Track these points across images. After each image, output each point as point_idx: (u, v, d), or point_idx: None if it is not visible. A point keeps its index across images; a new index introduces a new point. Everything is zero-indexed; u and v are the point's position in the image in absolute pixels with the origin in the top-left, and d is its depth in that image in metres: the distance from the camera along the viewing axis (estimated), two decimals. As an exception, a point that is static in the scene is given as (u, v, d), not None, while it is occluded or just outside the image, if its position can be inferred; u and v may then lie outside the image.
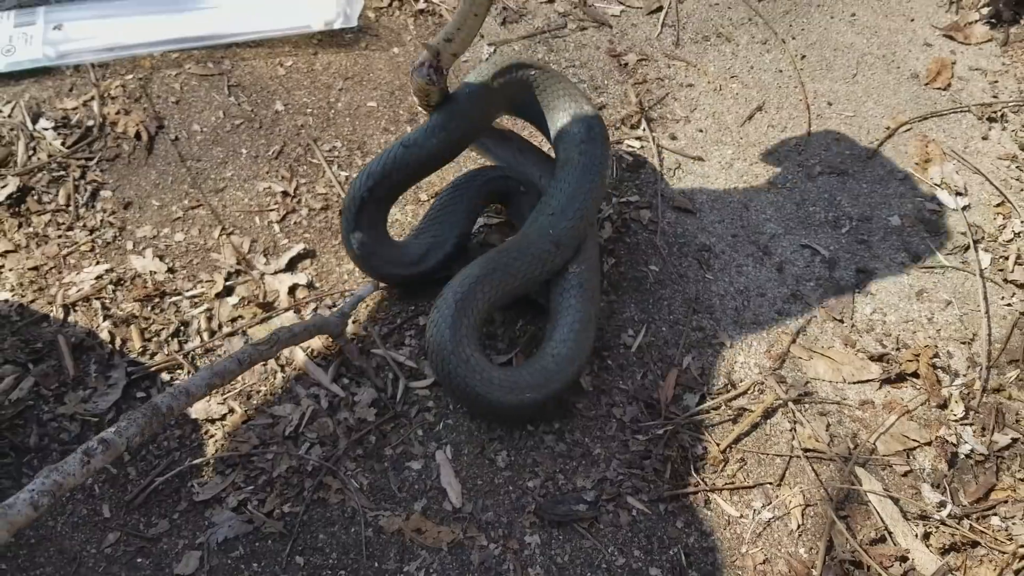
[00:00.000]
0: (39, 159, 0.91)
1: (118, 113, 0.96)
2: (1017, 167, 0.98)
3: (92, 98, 0.97)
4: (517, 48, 1.05)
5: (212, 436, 0.74)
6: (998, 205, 0.94)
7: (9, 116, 0.94)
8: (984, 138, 1.00)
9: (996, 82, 1.06)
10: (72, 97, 0.97)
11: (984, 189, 0.96)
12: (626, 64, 1.04)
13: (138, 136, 0.94)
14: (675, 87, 1.03)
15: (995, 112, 1.02)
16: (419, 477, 0.73)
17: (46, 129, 0.93)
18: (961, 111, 1.02)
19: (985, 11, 1.11)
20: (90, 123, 0.95)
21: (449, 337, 0.72)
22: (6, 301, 0.81)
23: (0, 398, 0.75)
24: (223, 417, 0.76)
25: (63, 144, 0.93)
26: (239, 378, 0.77)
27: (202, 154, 0.94)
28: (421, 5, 1.08)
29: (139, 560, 0.68)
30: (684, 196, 0.93)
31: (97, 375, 0.78)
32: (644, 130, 0.98)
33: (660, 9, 1.10)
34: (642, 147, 0.97)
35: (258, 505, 0.71)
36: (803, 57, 1.07)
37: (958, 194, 0.95)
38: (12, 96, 0.97)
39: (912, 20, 1.12)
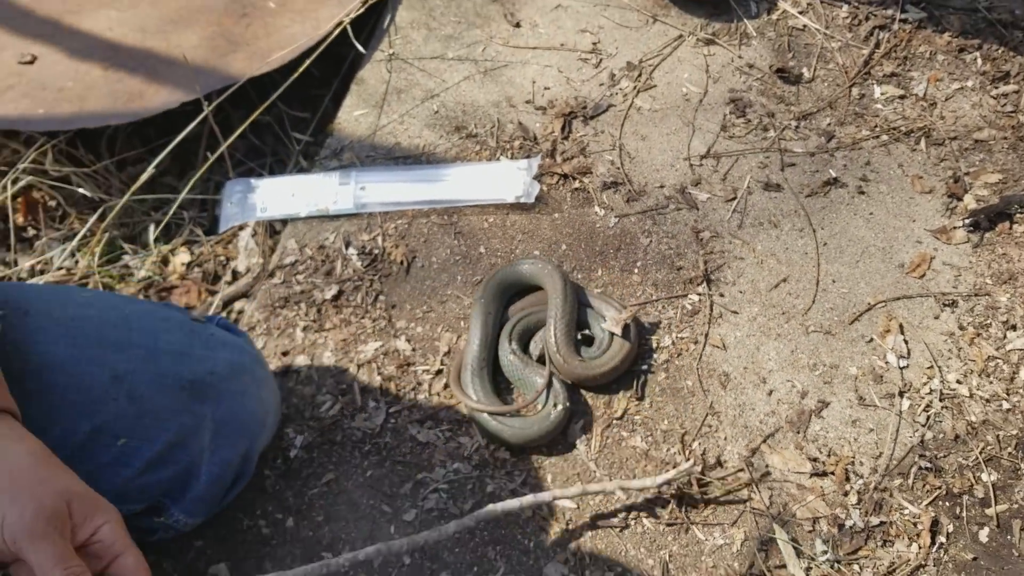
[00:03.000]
0: (347, 273, 1.60)
1: (391, 246, 1.63)
2: (953, 342, 1.47)
3: (377, 235, 1.65)
4: (633, 220, 1.64)
5: (428, 449, 1.41)
6: (928, 368, 1.44)
7: (333, 243, 1.65)
8: (936, 317, 1.49)
9: (959, 276, 1.53)
10: (367, 233, 1.66)
11: (923, 356, 1.46)
12: (702, 239, 1.60)
13: (401, 262, 1.61)
14: (731, 258, 1.58)
15: (949, 299, 1.50)
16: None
17: (352, 254, 1.63)
18: (926, 296, 1.51)
19: (968, 220, 1.58)
20: (376, 252, 1.63)
21: None
22: (329, 357, 1.51)
23: (324, 415, 1.45)
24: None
25: (361, 264, 1.62)
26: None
27: (435, 277, 1.60)
28: (576, 185, 1.69)
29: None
30: (720, 337, 1.50)
31: (373, 406, 1.46)
32: (703, 288, 1.54)
33: (734, 199, 1.65)
34: (699, 299, 1.53)
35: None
36: (825, 244, 1.59)
37: (901, 357, 1.45)
38: (334, 229, 1.67)
39: (914, 221, 1.61)
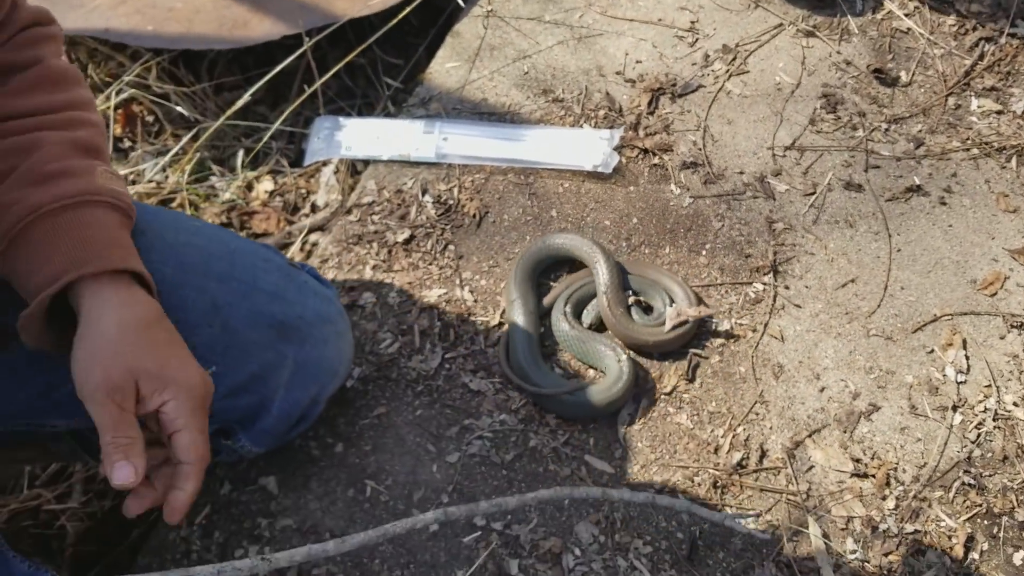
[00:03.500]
0: (421, 219, 1.65)
1: (466, 199, 1.67)
2: (1016, 365, 1.45)
3: (454, 186, 1.68)
4: (708, 201, 1.64)
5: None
6: (986, 386, 1.43)
7: (410, 188, 1.69)
8: (1001, 338, 1.47)
9: (1033, 300, 1.51)
10: (444, 183, 1.69)
11: (983, 373, 1.44)
12: (775, 229, 1.60)
13: (474, 216, 1.65)
14: (801, 252, 1.58)
15: (1018, 321, 1.48)
16: (574, 450, 1.40)
17: (427, 201, 1.67)
18: (994, 315, 1.49)
19: (1049, 245, 1.55)
20: (451, 202, 1.66)
21: None
22: (395, 297, 1.56)
23: (383, 352, 1.50)
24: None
25: (435, 212, 1.65)
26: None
27: (505, 234, 1.63)
28: (655, 161, 1.70)
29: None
30: (779, 328, 1.50)
31: (429, 349, 1.50)
32: (769, 278, 1.55)
33: (813, 193, 1.64)
34: (763, 289, 1.54)
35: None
36: (899, 250, 1.57)
37: (960, 372, 1.44)
38: (413, 176, 1.71)
39: (993, 238, 1.58)
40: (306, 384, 1.26)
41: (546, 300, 1.54)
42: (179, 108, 1.92)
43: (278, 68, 1.77)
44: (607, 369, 1.45)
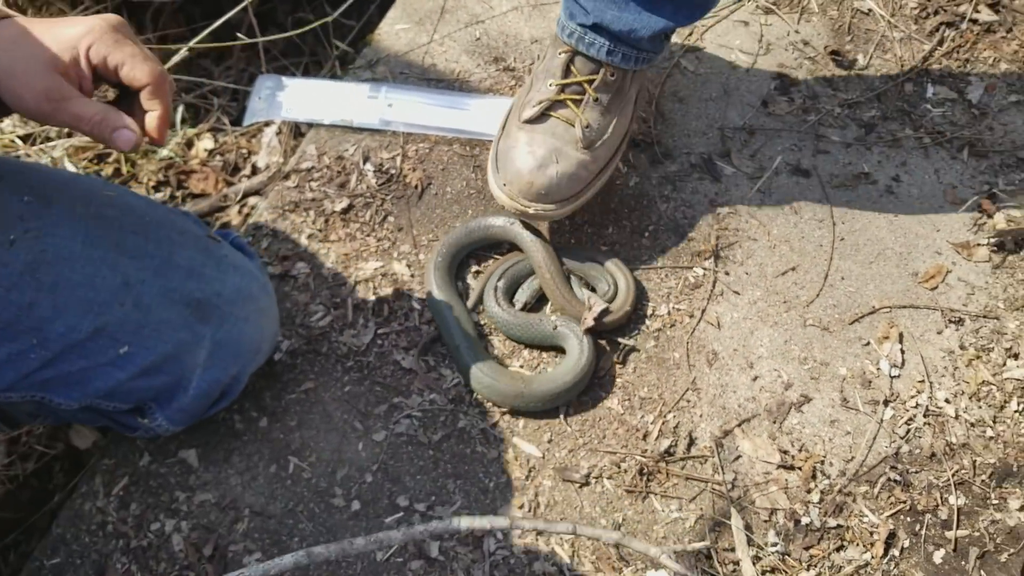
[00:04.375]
0: (361, 188, 1.60)
1: (409, 168, 1.62)
2: (951, 361, 1.44)
3: (397, 155, 1.64)
4: (653, 181, 1.61)
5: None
6: (919, 381, 1.42)
7: (352, 155, 1.64)
8: (938, 333, 1.46)
9: (972, 294, 1.50)
10: (387, 151, 1.65)
11: (917, 368, 1.44)
12: (719, 213, 1.58)
13: (416, 187, 1.60)
14: (744, 238, 1.55)
15: (956, 316, 1.48)
16: (502, 432, 1.38)
17: (368, 170, 1.62)
18: (933, 309, 1.49)
19: (993, 240, 1.53)
20: (392, 171, 1.62)
21: None
22: (329, 269, 1.52)
23: (314, 325, 1.47)
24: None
25: (376, 182, 1.61)
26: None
27: (447, 207, 1.59)
28: (604, 137, 1.66)
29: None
30: (716, 315, 1.48)
31: (362, 324, 1.47)
32: (710, 263, 1.52)
33: (759, 177, 1.61)
34: (703, 274, 1.52)
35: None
36: (842, 239, 1.55)
37: (894, 366, 1.43)
38: (356, 142, 1.66)
39: (938, 231, 1.56)
40: (225, 364, 1.23)
41: (474, 288, 1.51)
42: (117, 60, 1.84)
43: (219, 22, 1.71)
44: (566, 346, 1.42)
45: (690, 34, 1.79)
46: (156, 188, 1.80)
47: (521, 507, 1.32)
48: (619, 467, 1.35)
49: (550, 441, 1.38)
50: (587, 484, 1.34)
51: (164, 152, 1.80)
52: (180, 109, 1.85)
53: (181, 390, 1.20)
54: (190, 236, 1.22)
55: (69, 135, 1.78)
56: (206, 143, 1.85)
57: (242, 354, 1.25)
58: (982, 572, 1.28)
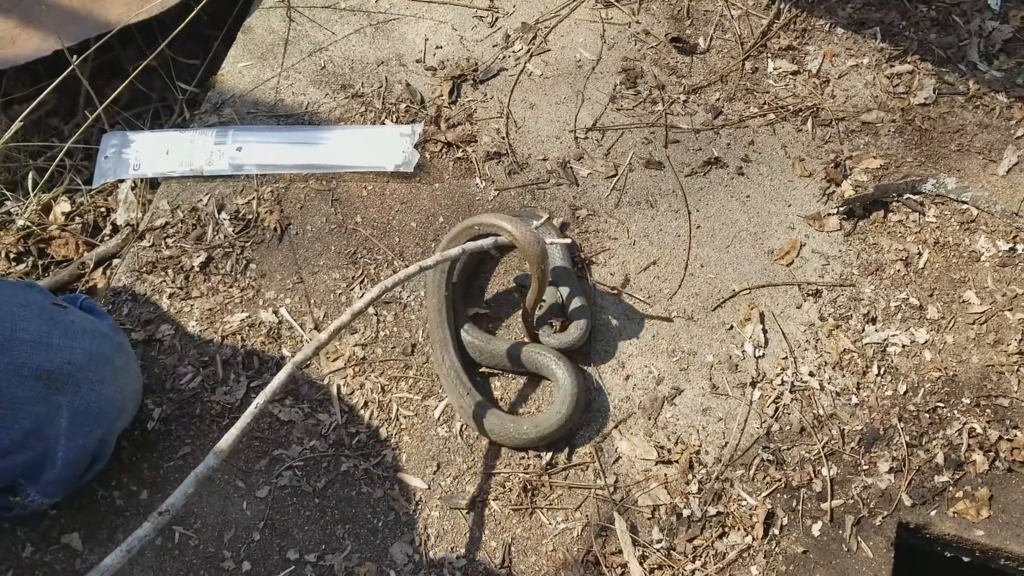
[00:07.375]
0: (219, 238, 1.58)
1: (265, 211, 1.61)
2: (812, 333, 1.49)
3: (252, 199, 1.62)
4: (513, 193, 1.62)
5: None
6: (783, 358, 1.47)
7: (206, 205, 1.62)
8: (798, 307, 1.51)
9: (827, 264, 1.54)
10: (241, 196, 1.62)
11: (780, 346, 1.48)
12: (579, 216, 1.59)
13: (275, 229, 1.59)
14: (605, 239, 1.58)
15: (814, 288, 1.52)
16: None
17: (224, 219, 1.60)
18: (791, 284, 1.53)
19: (842, 208, 1.58)
20: (249, 216, 1.60)
21: None
22: (194, 327, 1.50)
23: (184, 387, 1.45)
24: (294, 415, 1.43)
25: (233, 230, 1.59)
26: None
27: (309, 246, 1.58)
28: (459, 154, 1.66)
29: (242, 484, 1.38)
30: (585, 319, 1.51)
31: (233, 380, 1.46)
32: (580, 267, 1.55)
33: (614, 175, 1.63)
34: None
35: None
36: (699, 227, 1.58)
37: (758, 346, 1.47)
38: (208, 191, 1.63)
39: (790, 206, 1.60)
40: (88, 429, 1.21)
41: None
42: (-43, 132, 1.78)
43: (49, 88, 1.66)
44: (555, 379, 1.42)
45: (534, 37, 1.79)
46: (17, 259, 1.75)
47: (411, 542, 1.33)
48: (504, 487, 1.37)
49: (435, 472, 1.39)
50: (473, 509, 1.36)
51: (20, 222, 1.75)
52: (31, 175, 1.80)
53: (48, 462, 1.19)
54: (33, 307, 1.19)
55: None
56: (63, 206, 1.80)
57: (104, 416, 1.23)
58: (859, 538, 1.34)
